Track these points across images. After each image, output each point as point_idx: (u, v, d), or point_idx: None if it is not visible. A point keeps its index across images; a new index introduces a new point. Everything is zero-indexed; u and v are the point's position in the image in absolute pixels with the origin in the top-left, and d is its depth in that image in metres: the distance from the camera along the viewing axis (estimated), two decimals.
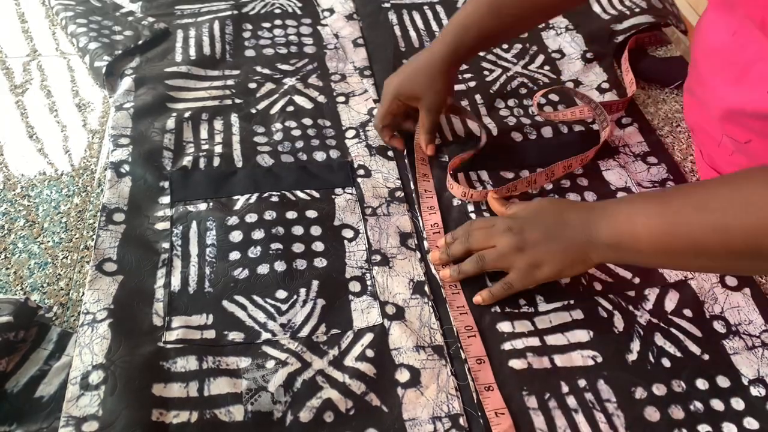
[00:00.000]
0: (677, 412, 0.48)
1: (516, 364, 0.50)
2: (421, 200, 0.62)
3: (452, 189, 0.63)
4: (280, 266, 0.55)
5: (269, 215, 0.59)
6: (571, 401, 0.49)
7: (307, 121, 0.69)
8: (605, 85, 0.75)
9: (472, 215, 0.61)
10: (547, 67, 0.78)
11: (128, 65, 0.73)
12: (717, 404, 0.49)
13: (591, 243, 0.49)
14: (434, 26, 0.83)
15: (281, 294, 0.54)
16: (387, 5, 0.85)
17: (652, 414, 0.48)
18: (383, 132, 0.66)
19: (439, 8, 0.86)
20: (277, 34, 0.80)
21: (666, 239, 0.45)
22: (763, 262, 0.43)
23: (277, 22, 0.82)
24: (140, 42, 0.75)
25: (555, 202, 0.54)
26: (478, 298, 0.54)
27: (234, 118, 0.69)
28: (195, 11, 0.82)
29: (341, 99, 0.72)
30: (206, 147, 0.65)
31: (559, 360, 0.51)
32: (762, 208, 0.40)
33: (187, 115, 0.68)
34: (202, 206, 0.60)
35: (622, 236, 0.47)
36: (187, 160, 0.63)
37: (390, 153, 0.66)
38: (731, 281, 0.57)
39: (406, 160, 0.66)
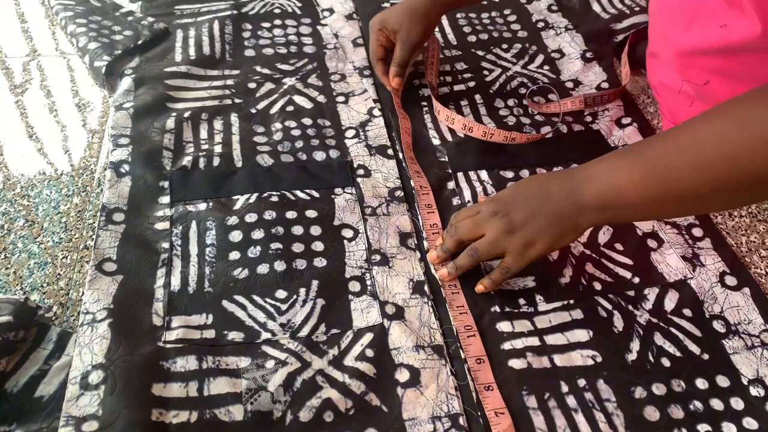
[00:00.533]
0: (677, 412, 0.48)
1: (516, 363, 0.50)
2: (418, 197, 0.62)
3: (449, 121, 0.69)
4: (279, 266, 0.55)
5: (269, 215, 0.59)
6: (571, 401, 0.49)
7: (307, 121, 0.69)
8: (605, 85, 0.75)
9: None
10: (546, 67, 0.78)
11: (128, 65, 0.73)
12: (716, 404, 0.49)
13: (578, 210, 0.49)
14: None
15: (281, 294, 0.54)
16: (387, 5, 0.85)
17: (651, 413, 0.48)
18: (377, 65, 0.72)
19: None
20: (276, 34, 0.80)
21: (651, 188, 0.45)
22: (747, 192, 0.44)
23: (277, 21, 0.82)
24: (140, 42, 0.75)
25: (534, 177, 0.54)
26: (480, 287, 0.54)
27: (234, 118, 0.69)
28: (195, 11, 0.82)
29: (341, 99, 0.72)
30: (206, 147, 0.65)
31: (559, 360, 0.51)
32: (736, 140, 0.41)
33: (186, 114, 0.68)
34: (202, 206, 0.60)
35: (607, 196, 0.47)
36: (186, 160, 0.63)
37: (390, 152, 0.66)
38: (731, 281, 0.57)
39: (401, 155, 0.66)
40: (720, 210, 0.57)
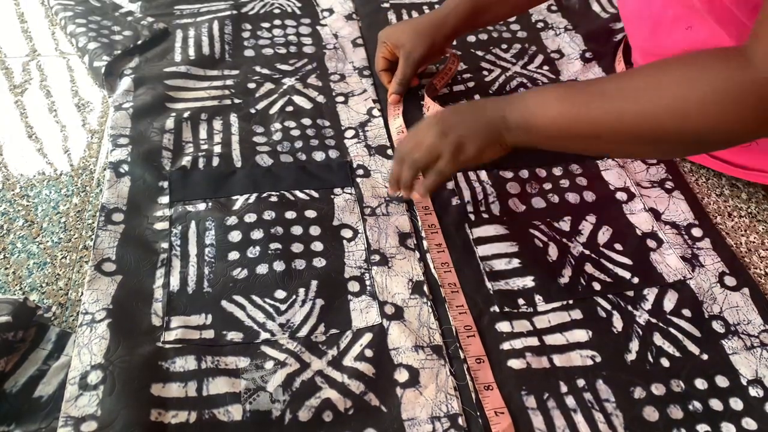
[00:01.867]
0: (676, 412, 0.48)
1: (515, 363, 0.50)
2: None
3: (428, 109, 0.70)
4: (279, 266, 0.55)
5: (268, 215, 0.59)
6: (570, 401, 0.49)
7: (307, 121, 0.69)
8: None
9: (472, 216, 0.61)
10: (546, 67, 0.78)
11: (127, 65, 0.73)
12: (716, 404, 0.49)
13: (505, 125, 0.52)
14: None
15: (280, 294, 0.54)
16: (386, 5, 0.85)
17: (650, 414, 0.48)
18: (382, 76, 0.73)
19: (426, 10, 0.85)
20: (276, 34, 0.80)
21: (566, 122, 0.49)
22: (649, 147, 0.48)
23: (277, 22, 0.82)
24: (139, 42, 0.75)
25: (474, 100, 0.59)
26: (415, 195, 0.57)
27: (233, 118, 0.69)
28: (194, 11, 0.82)
29: (340, 99, 0.72)
30: (205, 147, 0.65)
31: (558, 360, 0.51)
32: (650, 97, 0.45)
33: (186, 115, 0.68)
34: (201, 206, 0.60)
35: (530, 119, 0.51)
36: (186, 160, 0.63)
37: (389, 152, 0.66)
38: (730, 281, 0.57)
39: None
40: (627, 157, 0.59)
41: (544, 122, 0.50)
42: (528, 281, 0.56)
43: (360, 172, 0.64)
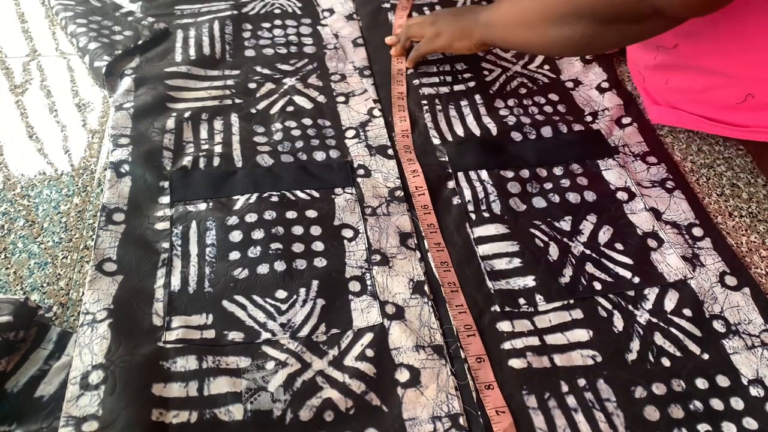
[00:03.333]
0: (677, 412, 0.48)
1: (516, 363, 0.51)
2: (413, 199, 0.62)
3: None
4: (279, 266, 0.55)
5: (269, 215, 0.59)
6: (571, 401, 0.49)
7: (307, 121, 0.69)
8: (605, 85, 0.75)
9: (472, 215, 0.61)
10: (546, 67, 0.78)
11: (128, 65, 0.73)
12: (716, 404, 0.49)
13: (476, 21, 0.68)
14: None
15: (281, 294, 0.54)
16: (387, 5, 0.85)
17: (651, 413, 0.48)
18: (395, 48, 0.79)
19: (438, 8, 0.86)
20: (276, 34, 0.80)
21: (508, 15, 0.63)
22: (574, 26, 0.55)
23: (277, 22, 0.82)
24: (140, 42, 0.75)
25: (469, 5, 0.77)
26: (406, 64, 0.76)
27: (234, 118, 0.69)
28: (195, 11, 0.82)
29: (341, 99, 0.72)
30: (206, 147, 0.65)
31: (559, 359, 0.51)
32: None
33: (187, 115, 0.68)
34: (202, 206, 0.60)
35: (490, 16, 0.65)
36: (186, 160, 0.63)
37: (390, 152, 0.66)
38: (731, 281, 0.57)
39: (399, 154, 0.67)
40: (560, 48, 0.62)
41: (495, 18, 0.64)
42: (529, 281, 0.56)
43: (361, 172, 0.64)
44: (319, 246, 0.57)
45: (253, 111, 0.70)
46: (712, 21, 0.56)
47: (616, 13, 0.51)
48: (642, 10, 0.50)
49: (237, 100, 0.71)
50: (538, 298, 0.55)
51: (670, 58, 0.64)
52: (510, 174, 0.65)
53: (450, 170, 0.65)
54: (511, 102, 0.73)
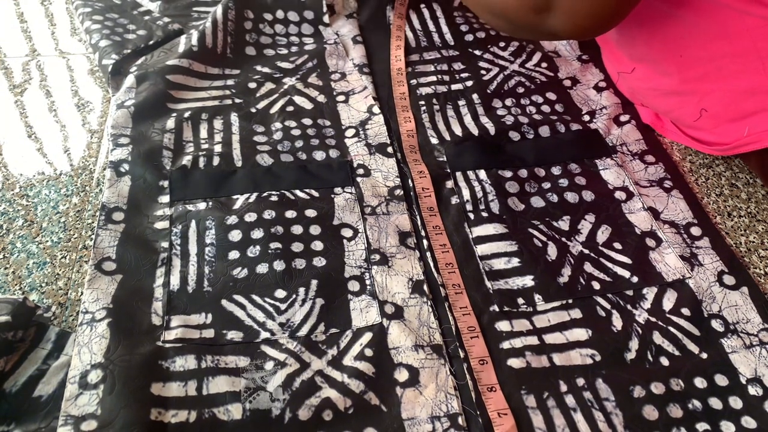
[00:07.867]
0: (676, 411, 0.49)
1: (514, 363, 0.51)
2: (420, 200, 0.62)
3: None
4: (279, 265, 0.55)
5: (268, 214, 0.59)
6: (570, 400, 0.49)
7: (307, 121, 0.69)
8: (602, 84, 0.75)
9: (471, 215, 0.61)
10: (544, 65, 0.78)
11: (134, 64, 0.72)
12: (715, 403, 0.49)
13: None
14: (431, 26, 0.83)
15: (280, 293, 0.54)
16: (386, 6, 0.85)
17: (650, 413, 0.48)
18: None
19: (436, 6, 0.86)
20: (278, 30, 0.80)
21: None
22: (494, 20, 0.57)
23: (279, 14, 0.81)
24: (151, 42, 0.75)
25: None
26: None
27: (234, 118, 0.69)
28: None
29: (341, 98, 0.72)
30: (206, 146, 0.65)
31: (558, 359, 0.51)
32: None
33: (187, 115, 0.68)
34: (202, 205, 0.60)
35: None
36: (186, 160, 0.63)
37: (389, 150, 0.66)
38: (729, 280, 0.57)
39: (399, 155, 0.67)
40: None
41: None
42: (527, 280, 0.56)
43: (360, 171, 0.64)
44: (318, 245, 0.58)
45: (253, 110, 0.70)
46: (659, 42, 0.58)
47: (523, 28, 0.55)
48: (542, 31, 0.53)
49: (237, 100, 0.71)
50: (537, 297, 0.55)
51: (633, 82, 0.67)
52: (508, 173, 0.65)
53: (448, 170, 0.65)
54: (508, 101, 0.73)
